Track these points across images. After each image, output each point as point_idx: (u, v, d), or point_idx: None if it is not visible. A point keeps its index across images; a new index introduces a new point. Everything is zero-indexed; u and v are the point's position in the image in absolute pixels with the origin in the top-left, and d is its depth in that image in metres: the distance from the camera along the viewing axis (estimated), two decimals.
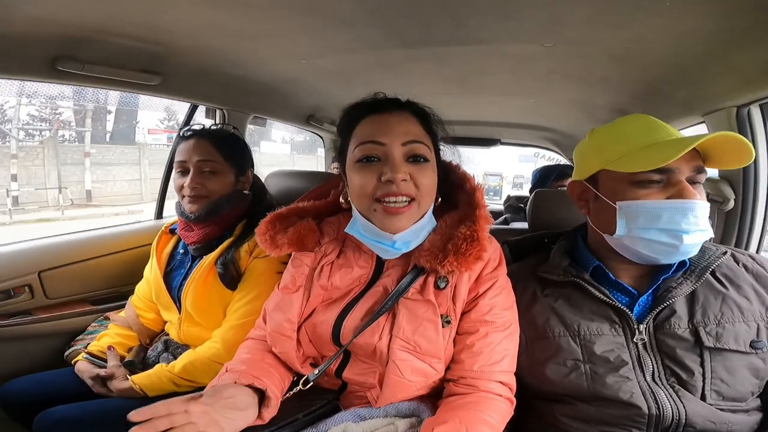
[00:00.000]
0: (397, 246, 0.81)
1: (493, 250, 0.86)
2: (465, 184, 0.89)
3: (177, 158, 1.19)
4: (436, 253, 0.80)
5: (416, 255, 0.82)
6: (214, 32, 1.15)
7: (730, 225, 1.34)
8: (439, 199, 0.88)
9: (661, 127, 0.82)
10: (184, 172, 1.17)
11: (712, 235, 0.81)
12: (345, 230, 0.87)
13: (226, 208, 1.18)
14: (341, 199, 0.90)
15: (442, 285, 0.81)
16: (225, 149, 1.19)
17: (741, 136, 0.75)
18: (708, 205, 0.79)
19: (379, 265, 0.87)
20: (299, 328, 0.86)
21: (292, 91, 1.80)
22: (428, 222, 0.84)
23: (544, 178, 2.33)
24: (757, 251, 1.31)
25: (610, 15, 0.96)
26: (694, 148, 0.76)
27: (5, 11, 0.93)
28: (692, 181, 0.78)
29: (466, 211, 0.85)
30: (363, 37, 1.19)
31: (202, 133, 1.19)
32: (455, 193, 0.90)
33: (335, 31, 1.15)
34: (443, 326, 0.79)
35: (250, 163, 1.29)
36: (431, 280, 0.82)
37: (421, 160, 0.81)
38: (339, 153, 0.89)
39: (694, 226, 0.76)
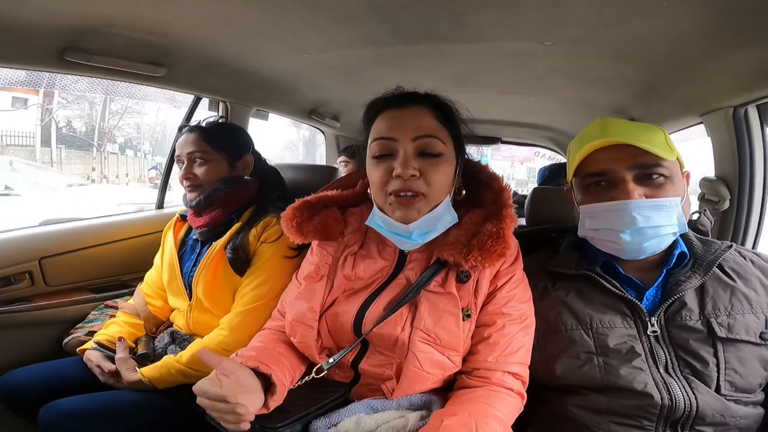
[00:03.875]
0: (414, 237, 0.83)
1: (513, 246, 0.86)
2: (493, 183, 0.90)
3: (176, 153, 1.27)
4: (461, 247, 0.81)
5: (439, 249, 0.83)
6: (219, 25, 1.16)
7: (726, 224, 1.35)
8: (463, 192, 0.89)
9: (605, 128, 0.84)
10: (180, 164, 1.25)
11: (677, 230, 0.83)
12: (366, 222, 0.89)
13: (224, 191, 1.21)
14: (369, 191, 0.90)
15: (465, 279, 0.82)
16: (212, 138, 1.24)
17: (622, 141, 0.80)
18: (663, 201, 0.81)
19: (402, 257, 0.88)
20: (320, 317, 0.87)
21: (294, 85, 1.81)
22: (445, 212, 0.84)
23: (554, 175, 2.33)
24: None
25: (610, 14, 0.97)
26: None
27: (16, 1, 0.94)
28: (646, 177, 0.81)
29: (491, 209, 0.86)
30: (366, 33, 1.20)
31: (192, 128, 1.26)
32: (481, 192, 0.90)
33: (339, 26, 1.16)
34: (464, 319, 0.80)
35: (246, 148, 1.31)
36: (453, 273, 0.83)
37: (434, 154, 0.81)
38: (364, 147, 0.90)
39: (631, 225, 0.80)
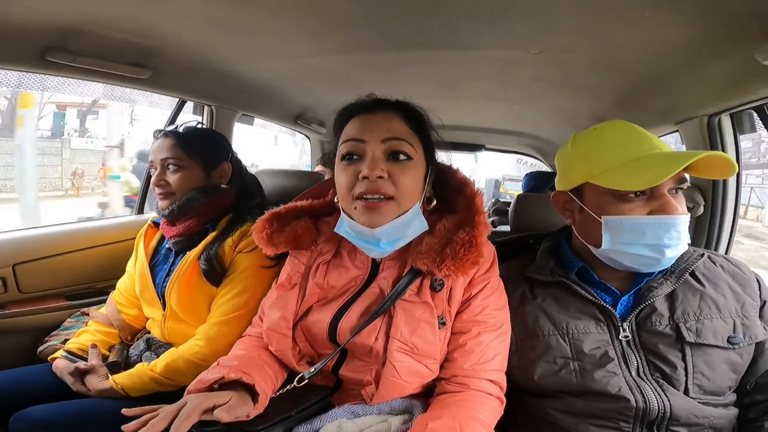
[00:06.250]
0: (382, 245, 0.81)
1: (487, 253, 0.86)
2: (465, 188, 0.89)
3: (149, 158, 1.21)
4: (434, 256, 0.80)
5: (413, 257, 0.82)
6: (206, 27, 1.15)
7: (700, 230, 1.41)
8: (434, 202, 0.88)
9: (642, 136, 0.84)
10: (153, 170, 1.19)
11: (689, 241, 0.85)
12: (334, 230, 0.87)
13: (200, 200, 1.17)
14: (336, 200, 0.89)
15: (439, 287, 0.82)
16: (187, 145, 1.18)
17: (727, 156, 0.79)
18: (688, 216, 0.81)
19: (375, 266, 0.88)
20: (295, 326, 0.86)
21: (281, 90, 1.80)
22: (414, 218, 0.82)
23: (540, 183, 2.38)
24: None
25: (594, 25, 1.00)
26: None
27: None
28: (674, 190, 0.81)
29: (464, 216, 0.85)
30: (356, 39, 1.21)
31: (167, 132, 1.21)
32: (454, 197, 0.90)
33: (329, 32, 1.17)
34: (439, 327, 0.80)
35: (224, 156, 1.26)
36: (427, 282, 0.82)
37: (403, 157, 0.80)
38: (334, 154, 0.88)
39: (676, 240, 0.79)
